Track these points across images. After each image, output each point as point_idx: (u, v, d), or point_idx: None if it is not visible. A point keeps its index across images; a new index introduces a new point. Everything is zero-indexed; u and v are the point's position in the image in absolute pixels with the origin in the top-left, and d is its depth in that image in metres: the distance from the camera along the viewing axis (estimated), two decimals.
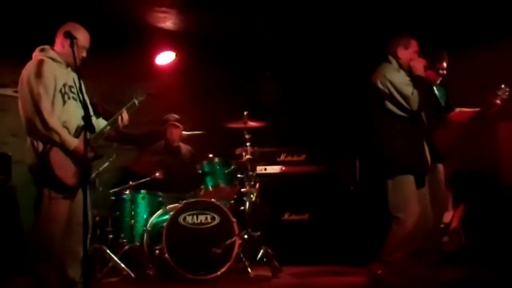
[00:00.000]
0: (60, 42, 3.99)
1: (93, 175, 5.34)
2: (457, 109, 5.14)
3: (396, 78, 4.49)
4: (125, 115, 4.16)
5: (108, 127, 4.11)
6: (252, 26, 6.60)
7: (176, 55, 7.04)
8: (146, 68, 6.92)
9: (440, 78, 4.96)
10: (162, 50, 6.97)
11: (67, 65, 4.02)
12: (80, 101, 3.91)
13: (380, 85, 4.52)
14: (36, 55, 3.96)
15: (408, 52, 4.60)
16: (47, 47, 4.00)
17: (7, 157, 5.36)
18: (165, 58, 7.04)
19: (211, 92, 7.25)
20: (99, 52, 6.04)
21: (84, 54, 4.05)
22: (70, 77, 4.02)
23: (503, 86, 4.79)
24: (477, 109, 5.01)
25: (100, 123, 4.16)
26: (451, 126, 5.18)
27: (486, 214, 6.07)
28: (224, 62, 7.12)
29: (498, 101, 4.77)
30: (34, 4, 5.47)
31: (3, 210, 5.19)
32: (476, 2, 5.68)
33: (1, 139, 5.76)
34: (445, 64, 4.93)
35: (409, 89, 4.42)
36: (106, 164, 5.50)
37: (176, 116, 6.39)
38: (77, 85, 3.95)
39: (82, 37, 4.02)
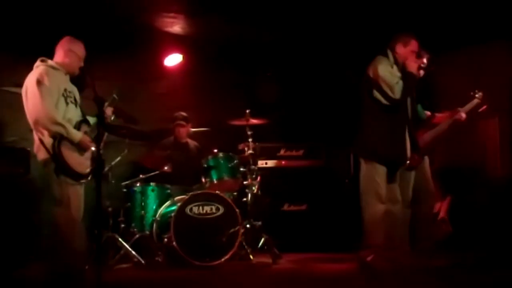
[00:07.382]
0: (63, 54, 4.21)
1: (106, 168, 5.36)
2: (428, 113, 5.24)
3: (385, 70, 4.49)
4: (108, 110, 4.45)
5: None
6: (253, 30, 6.59)
7: (183, 57, 7.04)
8: (155, 69, 6.94)
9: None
10: (170, 52, 6.97)
11: (66, 73, 4.21)
12: (76, 104, 4.20)
13: (371, 75, 4.53)
14: (38, 64, 4.12)
15: (405, 50, 4.59)
16: (45, 58, 4.16)
17: (26, 151, 5.36)
18: (173, 60, 7.04)
19: (216, 91, 7.24)
20: (111, 55, 6.10)
21: (82, 63, 4.25)
22: (69, 83, 4.23)
23: (476, 90, 5.11)
24: (447, 113, 5.21)
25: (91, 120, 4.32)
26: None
27: (472, 205, 6.06)
28: (228, 64, 7.11)
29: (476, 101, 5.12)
30: (50, 8, 5.47)
31: (22, 201, 5.20)
32: (462, 5, 5.66)
33: (21, 135, 5.74)
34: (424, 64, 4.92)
35: (394, 79, 4.44)
36: (118, 158, 5.53)
37: (184, 114, 6.40)
38: (75, 92, 4.25)
39: (80, 49, 4.25)
